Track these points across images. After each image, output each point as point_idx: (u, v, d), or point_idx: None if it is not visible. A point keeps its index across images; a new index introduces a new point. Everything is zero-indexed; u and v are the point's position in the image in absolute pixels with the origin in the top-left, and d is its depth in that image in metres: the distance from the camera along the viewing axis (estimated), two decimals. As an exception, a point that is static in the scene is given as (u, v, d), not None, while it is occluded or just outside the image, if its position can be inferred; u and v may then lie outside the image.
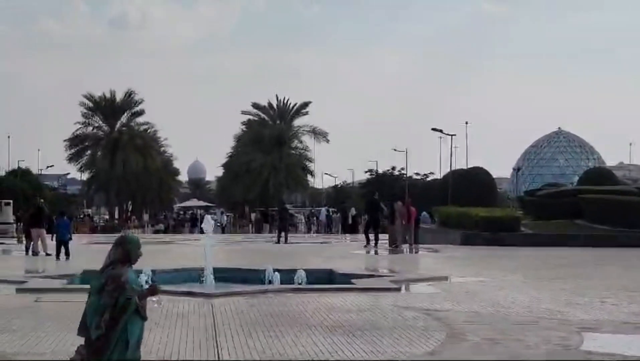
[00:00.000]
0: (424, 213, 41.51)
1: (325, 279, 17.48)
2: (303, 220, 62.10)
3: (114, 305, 5.58)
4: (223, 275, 16.88)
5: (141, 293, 5.75)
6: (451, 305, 13.00)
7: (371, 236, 30.15)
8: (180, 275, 17.60)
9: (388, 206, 31.52)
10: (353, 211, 55.75)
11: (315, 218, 62.31)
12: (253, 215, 67.43)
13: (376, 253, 27.96)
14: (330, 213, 60.60)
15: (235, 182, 76.96)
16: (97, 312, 5.62)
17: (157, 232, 62.71)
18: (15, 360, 8.50)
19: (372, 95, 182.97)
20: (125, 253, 5.83)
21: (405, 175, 76.74)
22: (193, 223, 60.29)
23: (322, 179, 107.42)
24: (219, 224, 57.24)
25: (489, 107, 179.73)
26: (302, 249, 30.72)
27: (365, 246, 29.90)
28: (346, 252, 27.97)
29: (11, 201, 49.61)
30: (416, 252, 28.12)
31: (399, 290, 15.33)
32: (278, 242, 34.30)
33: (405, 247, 28.88)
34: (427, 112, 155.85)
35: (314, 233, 55.40)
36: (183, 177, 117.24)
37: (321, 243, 36.59)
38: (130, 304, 5.62)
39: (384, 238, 30.45)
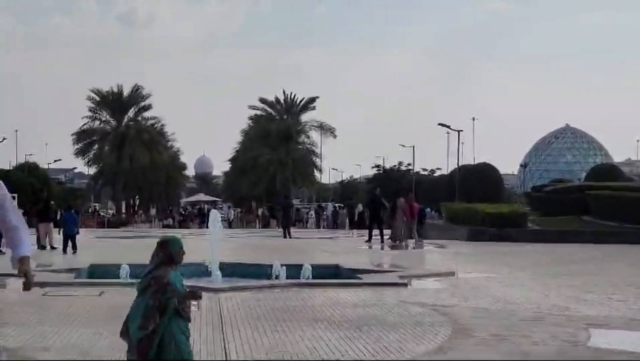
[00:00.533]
0: (427, 209, 41.46)
1: (332, 274, 17.49)
2: (313, 215, 62.05)
3: (158, 307, 5.57)
4: (230, 270, 16.89)
5: (181, 296, 5.75)
6: (458, 300, 12.97)
7: (375, 232, 30.10)
8: (187, 269, 17.57)
9: (390, 202, 31.50)
10: (360, 207, 55.69)
11: (323, 212, 62.25)
12: (260, 210, 67.38)
13: (382, 248, 27.96)
14: (337, 209, 60.57)
15: (242, 176, 77.02)
16: (138, 313, 5.61)
17: (166, 226, 62.75)
18: (19, 355, 8.47)
19: (379, 92, 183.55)
20: (169, 255, 5.84)
21: (412, 171, 76.69)
22: (202, 219, 60.27)
23: (329, 175, 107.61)
24: (225, 219, 57.22)
25: (496, 104, 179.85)
26: (309, 244, 30.69)
27: (366, 241, 29.91)
28: (353, 247, 27.94)
29: (16, 195, 49.58)
30: (420, 248, 28.10)
31: (405, 285, 15.28)
32: (285, 237, 34.30)
33: (410, 243, 28.87)
34: (434, 108, 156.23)
35: (323, 227, 55.47)
36: (190, 172, 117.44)
37: (328, 238, 36.58)
38: (168, 305, 5.62)
39: (387, 234, 30.42)
